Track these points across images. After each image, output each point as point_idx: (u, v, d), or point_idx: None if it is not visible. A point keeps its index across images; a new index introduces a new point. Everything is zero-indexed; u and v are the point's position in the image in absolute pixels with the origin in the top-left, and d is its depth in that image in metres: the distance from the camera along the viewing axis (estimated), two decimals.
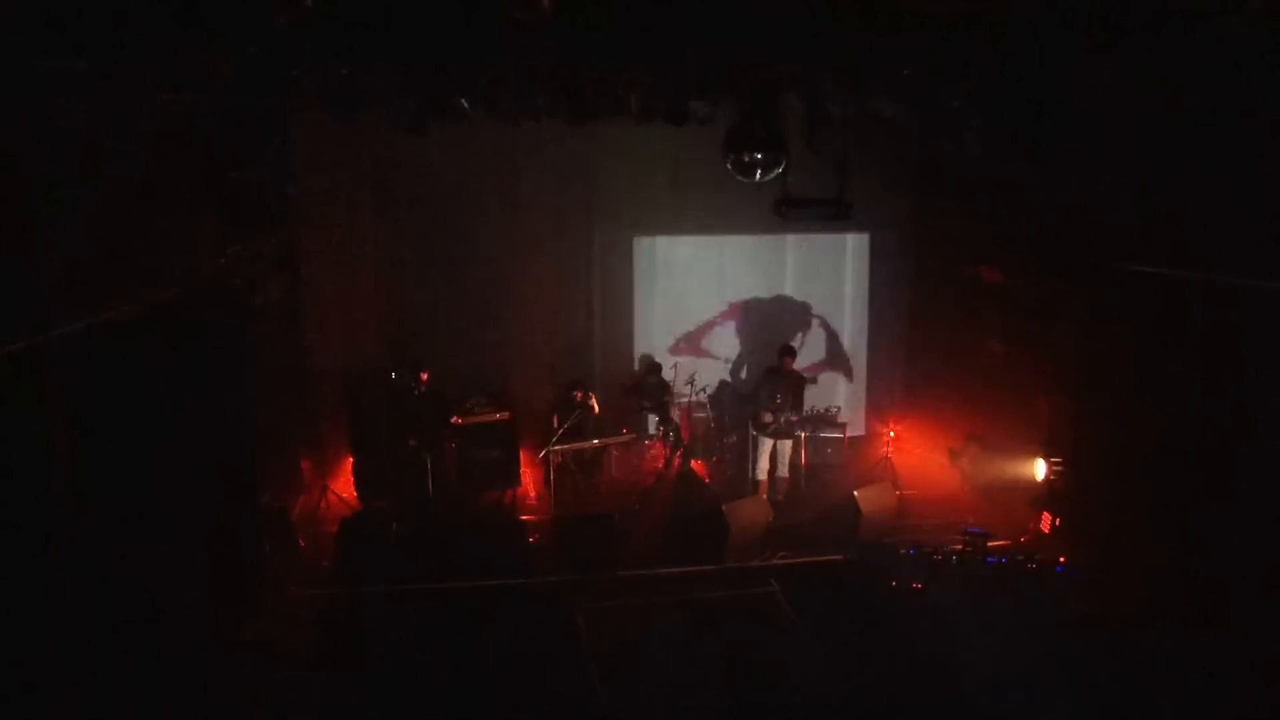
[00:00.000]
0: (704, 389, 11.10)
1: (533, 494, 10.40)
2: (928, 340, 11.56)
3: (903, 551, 8.74)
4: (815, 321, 11.89)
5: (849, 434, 11.24)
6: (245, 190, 8.32)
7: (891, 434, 10.90)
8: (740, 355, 11.78)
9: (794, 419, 9.90)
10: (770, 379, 9.97)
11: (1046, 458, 9.11)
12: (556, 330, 11.33)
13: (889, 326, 12.02)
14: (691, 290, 11.63)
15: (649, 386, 10.90)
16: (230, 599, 7.46)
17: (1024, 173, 8.76)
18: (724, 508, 8.60)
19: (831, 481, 10.56)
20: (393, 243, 10.76)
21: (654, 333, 11.63)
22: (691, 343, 11.75)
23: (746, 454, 10.32)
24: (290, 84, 6.93)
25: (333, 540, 8.68)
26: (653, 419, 10.92)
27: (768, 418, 9.82)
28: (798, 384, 9.99)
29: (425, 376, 9.81)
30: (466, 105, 7.58)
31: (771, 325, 11.56)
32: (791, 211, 8.01)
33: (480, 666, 6.90)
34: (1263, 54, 5.33)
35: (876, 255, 11.78)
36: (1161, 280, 7.33)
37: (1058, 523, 8.97)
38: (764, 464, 9.97)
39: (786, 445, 10.07)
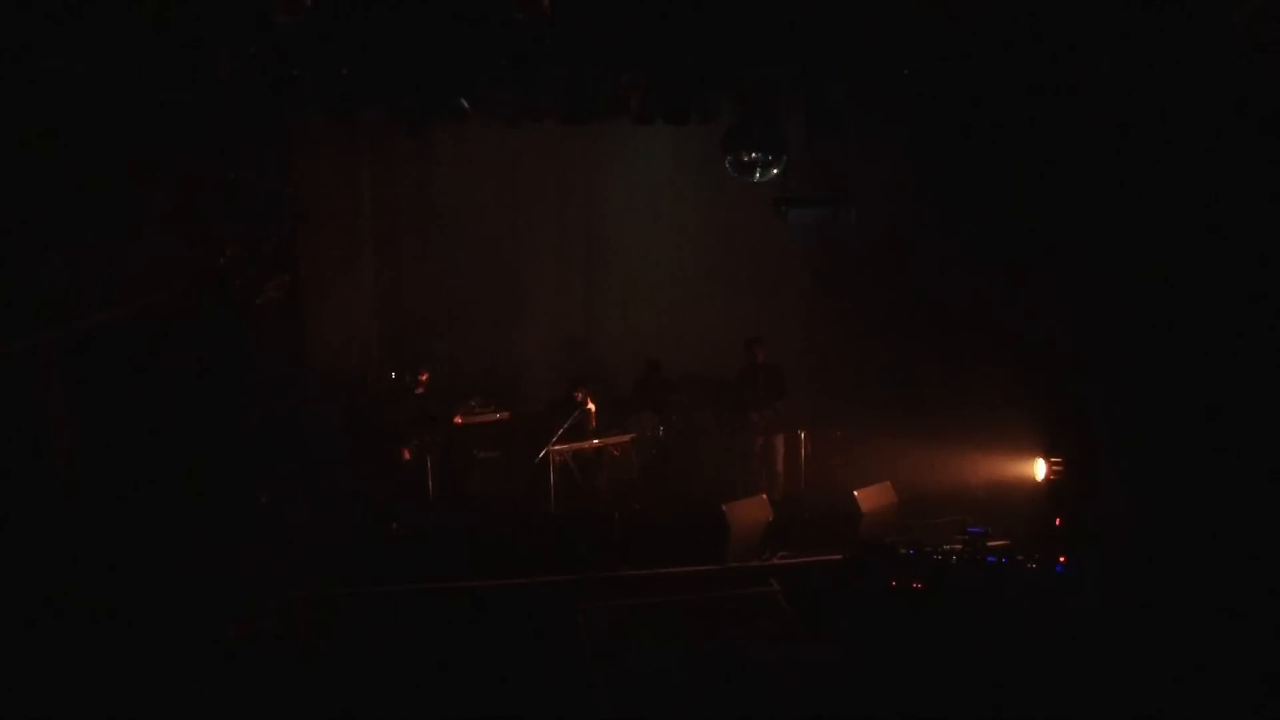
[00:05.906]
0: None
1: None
2: (927, 337, 11.52)
3: (903, 551, 8.72)
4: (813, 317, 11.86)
5: (849, 433, 11.21)
6: (245, 190, 8.32)
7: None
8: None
9: (777, 409, 9.85)
10: (745, 374, 9.95)
11: (1046, 458, 9.10)
12: (556, 330, 11.30)
13: (886, 322, 11.98)
14: None
15: (649, 385, 10.89)
16: (228, 599, 7.45)
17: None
18: (724, 508, 8.59)
19: (832, 481, 10.54)
20: (393, 243, 10.75)
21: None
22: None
23: (745, 454, 10.29)
24: (290, 84, 6.94)
25: (332, 540, 8.66)
26: (653, 418, 10.90)
27: (754, 415, 9.80)
28: (774, 374, 9.97)
29: (425, 376, 9.78)
30: (466, 105, 7.59)
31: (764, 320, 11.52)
32: (791, 210, 8.02)
33: (480, 666, 6.90)
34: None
35: (875, 251, 11.75)
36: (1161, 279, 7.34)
37: (1058, 522, 8.96)
38: (758, 461, 9.94)
39: (779, 440, 10.04)
